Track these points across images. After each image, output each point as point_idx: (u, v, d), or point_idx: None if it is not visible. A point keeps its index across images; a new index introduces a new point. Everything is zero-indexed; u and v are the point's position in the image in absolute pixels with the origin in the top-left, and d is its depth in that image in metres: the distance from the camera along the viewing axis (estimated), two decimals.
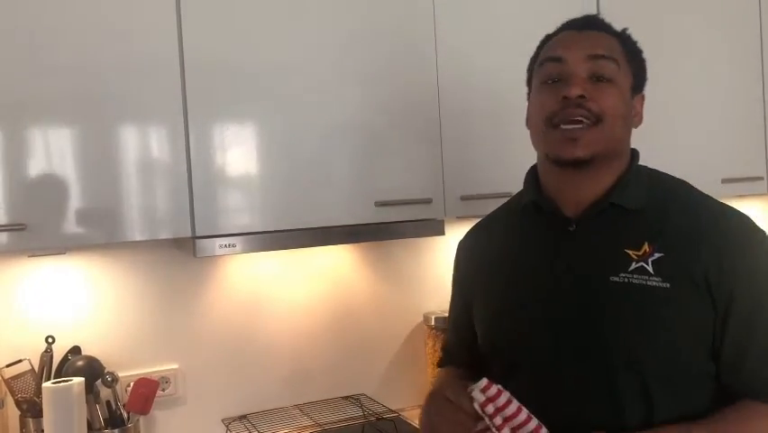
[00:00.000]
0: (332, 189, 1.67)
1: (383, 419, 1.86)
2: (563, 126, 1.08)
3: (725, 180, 2.14)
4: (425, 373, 2.08)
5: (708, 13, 2.17)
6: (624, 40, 1.17)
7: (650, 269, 1.05)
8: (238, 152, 1.60)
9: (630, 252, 1.07)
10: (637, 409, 1.05)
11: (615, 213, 1.11)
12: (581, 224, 1.13)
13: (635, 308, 1.05)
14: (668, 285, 1.04)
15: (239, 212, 1.60)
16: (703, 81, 2.15)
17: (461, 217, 1.92)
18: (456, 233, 2.14)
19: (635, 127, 1.18)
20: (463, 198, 1.80)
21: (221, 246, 1.57)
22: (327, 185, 1.67)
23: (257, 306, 1.95)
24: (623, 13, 2.03)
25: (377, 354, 2.08)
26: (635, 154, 1.19)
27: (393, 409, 1.93)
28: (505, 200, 1.69)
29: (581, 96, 1.08)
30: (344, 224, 1.68)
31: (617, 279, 1.06)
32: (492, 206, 1.71)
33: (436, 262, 2.16)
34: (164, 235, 1.54)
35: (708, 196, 1.15)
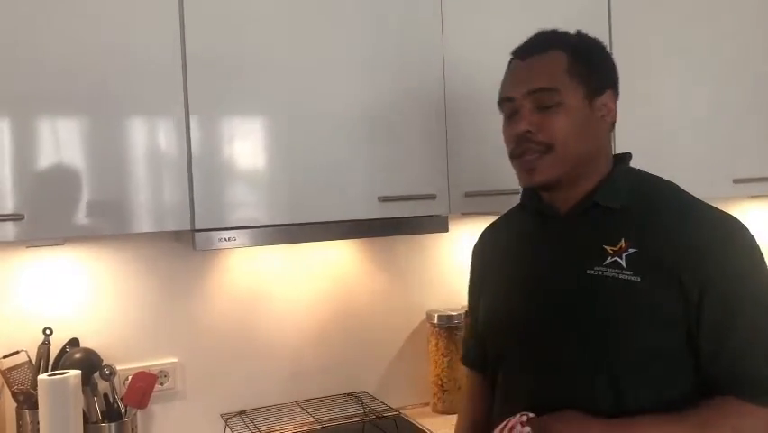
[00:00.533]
0: (334, 184, 1.64)
1: (384, 417, 1.83)
2: (520, 159, 1.19)
3: (736, 181, 2.10)
4: (428, 372, 2.05)
5: (719, 11, 2.13)
6: (572, 49, 1.18)
7: (623, 263, 1.10)
8: (240, 146, 1.58)
9: (607, 247, 1.13)
10: (609, 399, 1.09)
11: (598, 211, 1.17)
12: (567, 221, 1.21)
13: (606, 300, 1.11)
14: (638, 279, 1.08)
15: (239, 206, 1.58)
16: (714, 80, 2.10)
17: (466, 214, 1.90)
18: (460, 229, 2.13)
19: (612, 122, 1.21)
20: (468, 195, 1.77)
21: (220, 240, 1.55)
22: (330, 180, 1.64)
23: (258, 301, 1.93)
24: (633, 12, 2.03)
25: (379, 351, 2.06)
26: (624, 157, 1.24)
27: (394, 407, 1.91)
28: (509, 197, 1.67)
29: (528, 131, 1.16)
30: (347, 219, 1.66)
31: (592, 272, 1.12)
32: (497, 202, 1.70)
33: (440, 259, 2.13)
34: (163, 228, 1.52)
35: (696, 198, 1.17)
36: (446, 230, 1.77)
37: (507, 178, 1.79)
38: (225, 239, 1.55)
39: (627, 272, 1.09)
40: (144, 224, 1.50)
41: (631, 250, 1.11)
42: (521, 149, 1.18)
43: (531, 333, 1.19)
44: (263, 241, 1.60)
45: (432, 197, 1.73)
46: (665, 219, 1.12)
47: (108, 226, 1.47)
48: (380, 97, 1.69)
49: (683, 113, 2.04)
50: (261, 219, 1.59)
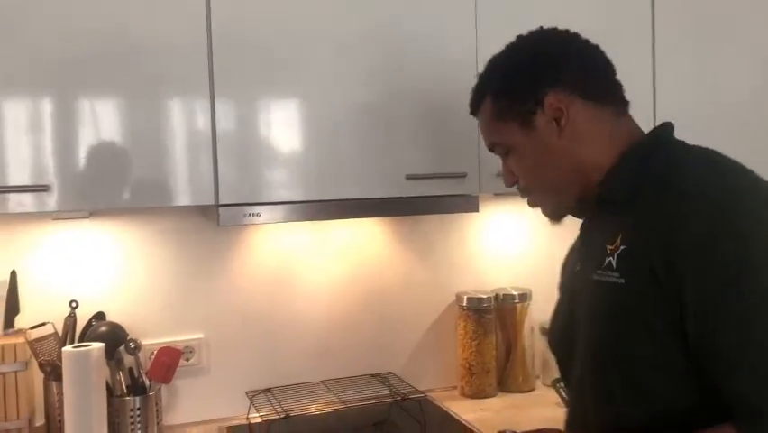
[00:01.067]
0: (361, 161, 1.61)
1: (410, 399, 1.81)
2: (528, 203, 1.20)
3: None
4: (456, 355, 2.02)
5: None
6: (493, 92, 1.14)
7: (614, 263, 1.01)
8: (266, 122, 1.56)
9: (608, 246, 1.03)
10: (603, 406, 1.03)
11: (607, 208, 1.08)
12: (585, 225, 1.17)
13: (599, 308, 1.04)
14: (623, 281, 0.98)
15: (265, 182, 1.55)
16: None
17: (498, 195, 1.84)
18: (491, 210, 2.07)
19: (562, 124, 1.08)
20: (500, 175, 1.70)
21: (245, 215, 1.53)
22: (356, 156, 1.60)
23: (285, 278, 1.91)
24: (679, 9, 1.93)
25: (406, 332, 2.02)
26: (654, 134, 1.10)
27: (421, 389, 1.88)
28: None
29: (513, 183, 1.18)
30: (373, 196, 1.62)
31: (595, 276, 1.04)
32: None
33: (470, 241, 2.08)
34: (187, 202, 1.50)
35: (714, 173, 0.98)
36: (476, 210, 1.72)
37: None
38: (250, 215, 1.53)
39: (615, 275, 0.99)
40: (167, 198, 1.48)
41: (622, 248, 1.00)
42: (521, 195, 1.19)
43: (556, 346, 1.21)
44: (288, 217, 1.57)
45: (462, 175, 1.68)
46: (660, 207, 0.97)
47: (131, 200, 1.46)
48: (409, 73, 1.64)
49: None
50: (287, 196, 1.56)
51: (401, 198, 1.64)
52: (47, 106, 1.41)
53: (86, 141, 1.43)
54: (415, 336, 2.03)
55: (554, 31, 1.15)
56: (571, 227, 1.20)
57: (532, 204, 1.18)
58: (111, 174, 1.45)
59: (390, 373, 1.98)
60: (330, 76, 1.58)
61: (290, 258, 1.91)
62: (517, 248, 2.12)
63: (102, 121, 1.44)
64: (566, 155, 1.09)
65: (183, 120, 1.50)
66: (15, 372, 1.56)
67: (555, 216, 1.16)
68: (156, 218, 1.79)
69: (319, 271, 1.94)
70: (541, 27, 1.16)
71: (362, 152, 1.61)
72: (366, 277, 1.98)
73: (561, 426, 1.73)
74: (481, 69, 1.67)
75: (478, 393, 1.97)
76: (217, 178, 1.50)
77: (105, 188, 1.45)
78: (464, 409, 1.85)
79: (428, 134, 1.66)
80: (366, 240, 1.98)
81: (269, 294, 1.89)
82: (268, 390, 1.85)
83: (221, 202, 1.51)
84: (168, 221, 1.80)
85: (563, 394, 1.88)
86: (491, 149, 1.19)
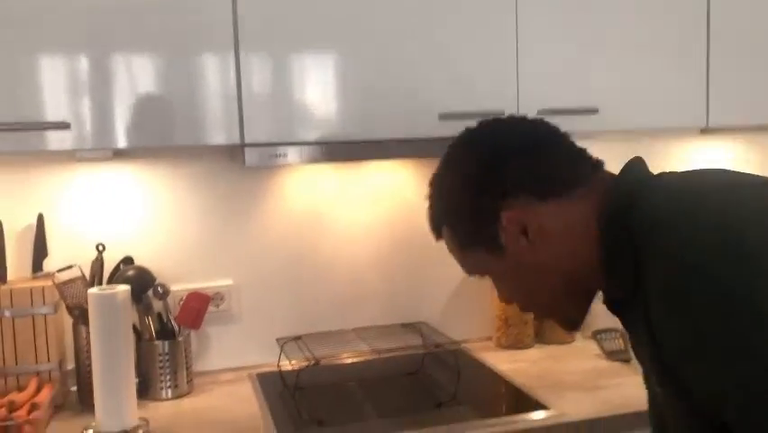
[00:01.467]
0: (390, 100, 1.53)
1: (444, 349, 1.75)
2: None
3: None
4: (490, 305, 1.94)
5: None
6: (446, 223, 1.00)
7: (655, 375, 0.86)
8: (293, 60, 1.48)
9: (643, 355, 0.88)
10: None
11: (626, 307, 0.88)
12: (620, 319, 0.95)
13: (668, 416, 0.90)
14: (671, 390, 0.84)
15: (291, 121, 1.49)
16: None
17: None
18: None
19: (531, 238, 0.90)
20: (540, 113, 1.61)
21: (271, 156, 1.47)
22: (385, 95, 1.52)
23: (315, 224, 1.86)
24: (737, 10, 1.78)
25: (440, 281, 1.96)
26: (611, 225, 0.87)
27: (455, 339, 1.82)
28: (586, 117, 1.52)
29: (510, 303, 1.03)
30: (404, 137, 1.54)
31: (654, 385, 0.91)
32: (574, 122, 1.55)
33: None
34: (211, 141, 1.45)
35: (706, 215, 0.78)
36: None
37: (585, 93, 1.65)
38: (276, 155, 1.47)
39: (660, 385, 0.85)
40: (191, 137, 1.43)
41: (652, 354, 0.82)
42: (522, 311, 1.10)
43: None
44: (316, 158, 1.51)
45: (499, 113, 1.58)
46: (655, 280, 0.79)
47: (153, 138, 1.42)
48: (440, 6, 1.54)
49: None
50: (314, 136, 1.50)
51: (434, 138, 1.56)
52: (75, 53, 1.36)
53: (105, 76, 1.38)
54: (449, 286, 1.97)
55: (487, 129, 0.98)
56: None
57: (539, 319, 1.06)
58: (134, 113, 1.40)
59: (423, 322, 1.92)
60: (362, 14, 1.50)
61: (321, 203, 1.85)
62: None
63: (120, 56, 1.39)
64: (549, 269, 0.92)
65: (209, 57, 1.43)
66: (45, 315, 1.55)
67: (571, 327, 1.00)
68: (183, 162, 1.74)
69: (351, 217, 1.88)
70: (475, 125, 0.99)
71: (394, 90, 1.53)
72: (399, 223, 1.91)
73: (600, 377, 1.67)
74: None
75: (515, 344, 1.90)
76: (242, 116, 1.45)
77: (128, 126, 1.40)
78: (500, 360, 1.79)
79: (463, 70, 1.57)
80: (400, 184, 1.90)
81: (300, 240, 1.85)
82: (298, 337, 1.81)
83: (246, 142, 1.46)
84: (195, 165, 1.75)
85: (603, 346, 1.81)
86: (470, 275, 1.02)
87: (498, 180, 0.92)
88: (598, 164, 0.95)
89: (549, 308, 0.99)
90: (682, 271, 0.75)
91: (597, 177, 0.93)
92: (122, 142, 1.41)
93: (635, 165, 0.92)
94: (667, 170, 0.92)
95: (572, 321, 0.98)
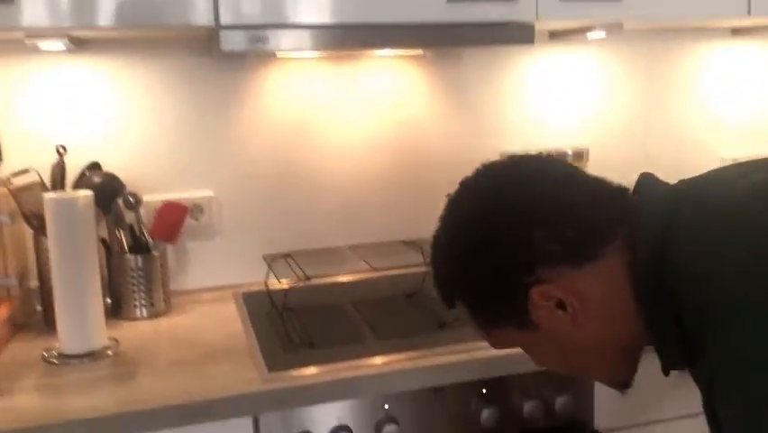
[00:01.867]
0: None
1: None
2: None
3: None
4: None
5: None
6: (464, 302, 0.86)
7: None
8: None
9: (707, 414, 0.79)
10: None
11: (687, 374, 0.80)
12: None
13: None
14: None
15: (274, 1, 1.28)
16: None
17: (554, 36, 1.54)
18: (550, 52, 1.78)
19: (570, 311, 0.79)
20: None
21: (251, 39, 1.27)
22: None
23: (306, 129, 1.67)
24: None
25: (442, 195, 1.78)
26: (652, 311, 0.78)
27: None
28: (613, 3, 1.32)
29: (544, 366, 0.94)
30: (405, 22, 1.34)
31: None
32: (600, 8, 1.36)
33: (521, 90, 1.79)
34: (177, 22, 1.25)
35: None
36: (531, 42, 1.42)
37: None
38: (258, 38, 1.27)
39: None
40: (154, 16, 1.23)
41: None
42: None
43: None
44: (301, 44, 1.32)
45: None
46: (718, 368, 0.72)
47: (112, 18, 1.21)
48: None
49: None
50: (298, 17, 1.29)
51: (440, 24, 1.36)
52: None
53: None
54: None
55: (495, 186, 0.85)
56: None
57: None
58: None
59: (424, 239, 1.76)
60: None
61: (314, 105, 1.66)
62: (573, 101, 1.84)
63: None
64: (596, 340, 0.83)
65: None
66: (0, 223, 1.38)
67: (622, 387, 0.90)
68: (153, 56, 1.54)
69: (347, 122, 1.69)
70: (477, 178, 0.87)
71: None
72: (399, 130, 1.73)
73: None
74: None
75: None
76: None
77: (80, 4, 1.20)
78: None
79: None
80: (400, 87, 1.71)
81: (289, 148, 1.66)
82: (288, 254, 1.65)
83: (222, 23, 1.26)
84: (167, 59, 1.55)
85: None
86: (497, 348, 0.93)
87: (525, 253, 0.79)
88: (620, 194, 0.83)
89: (588, 371, 0.91)
90: (745, 367, 0.67)
91: (625, 216, 0.80)
92: (75, 20, 1.20)
93: (649, 188, 0.82)
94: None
95: (623, 382, 0.89)
